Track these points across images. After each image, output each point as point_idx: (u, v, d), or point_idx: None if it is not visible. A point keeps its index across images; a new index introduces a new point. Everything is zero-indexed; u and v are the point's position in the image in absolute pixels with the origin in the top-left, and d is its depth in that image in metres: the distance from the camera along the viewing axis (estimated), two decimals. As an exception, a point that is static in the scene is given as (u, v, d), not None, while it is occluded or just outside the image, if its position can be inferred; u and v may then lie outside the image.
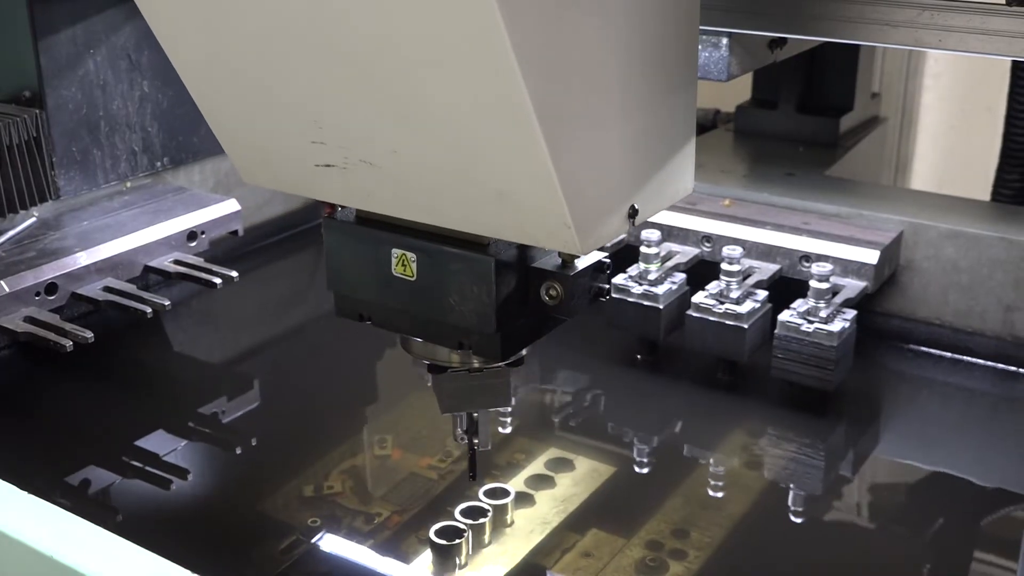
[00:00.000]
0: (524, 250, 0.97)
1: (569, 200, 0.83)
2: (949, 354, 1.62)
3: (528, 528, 1.30)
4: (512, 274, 0.97)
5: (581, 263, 0.98)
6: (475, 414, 1.14)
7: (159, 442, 1.46)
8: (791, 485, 1.41)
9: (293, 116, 0.91)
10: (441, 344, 1.04)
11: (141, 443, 1.45)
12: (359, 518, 1.32)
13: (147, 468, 1.41)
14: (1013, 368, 1.58)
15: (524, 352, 1.07)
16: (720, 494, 1.38)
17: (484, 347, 1.00)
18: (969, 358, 1.61)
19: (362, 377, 1.68)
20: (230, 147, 1.00)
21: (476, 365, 1.06)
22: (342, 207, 1.02)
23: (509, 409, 1.10)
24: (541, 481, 1.39)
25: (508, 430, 1.50)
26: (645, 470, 1.44)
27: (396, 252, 0.99)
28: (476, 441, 1.16)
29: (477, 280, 0.95)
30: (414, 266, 0.98)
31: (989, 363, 1.59)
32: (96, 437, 1.48)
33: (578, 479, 1.40)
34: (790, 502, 1.38)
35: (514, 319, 0.99)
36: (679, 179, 0.99)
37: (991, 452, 1.46)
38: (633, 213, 0.92)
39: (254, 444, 1.44)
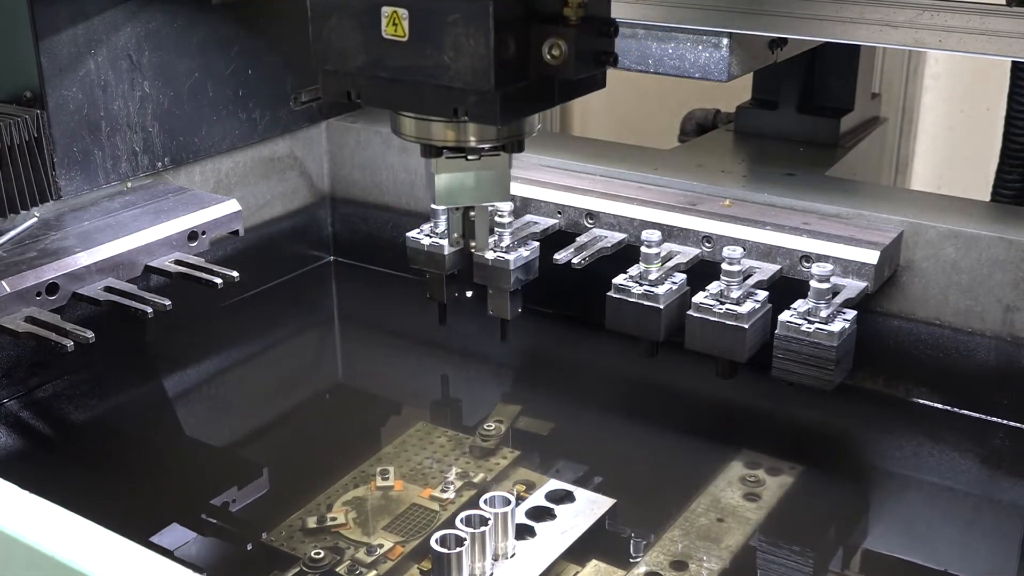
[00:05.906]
0: (525, 6, 0.92)
1: None
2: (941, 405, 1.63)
3: (529, 560, 1.30)
4: (511, 30, 0.91)
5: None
6: (471, 212, 1.09)
7: (173, 538, 1.42)
8: (789, 517, 1.41)
9: None
10: (435, 113, 0.98)
11: (156, 539, 1.41)
12: (362, 549, 1.33)
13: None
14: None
15: (525, 137, 1.01)
16: (718, 526, 1.38)
17: (481, 109, 0.93)
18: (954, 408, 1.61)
19: (366, 437, 1.67)
20: None
21: (474, 144, 1.00)
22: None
23: (510, 204, 1.04)
24: (541, 513, 1.39)
25: (508, 461, 1.50)
26: (644, 501, 1.44)
27: (387, 10, 0.93)
28: (473, 244, 1.11)
29: (474, 29, 0.89)
30: (406, 24, 0.92)
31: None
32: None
33: (578, 511, 1.39)
34: (788, 534, 1.38)
35: (513, 79, 0.92)
36: None
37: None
38: None
39: (265, 538, 1.40)
